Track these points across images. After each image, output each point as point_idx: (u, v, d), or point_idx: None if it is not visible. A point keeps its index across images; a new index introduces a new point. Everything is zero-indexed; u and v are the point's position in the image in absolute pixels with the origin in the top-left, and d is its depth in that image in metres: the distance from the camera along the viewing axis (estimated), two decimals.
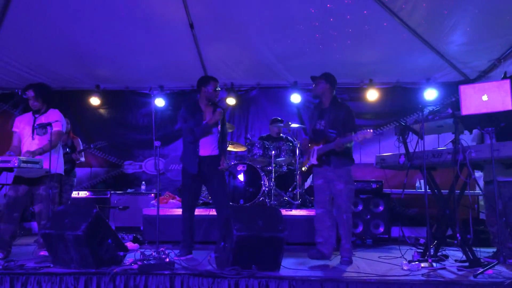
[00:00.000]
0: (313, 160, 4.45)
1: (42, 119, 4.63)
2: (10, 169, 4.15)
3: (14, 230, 4.51)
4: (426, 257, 3.95)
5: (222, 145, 4.74)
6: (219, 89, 4.78)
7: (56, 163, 4.55)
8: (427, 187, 4.27)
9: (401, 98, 7.34)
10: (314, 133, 4.54)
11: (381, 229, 5.81)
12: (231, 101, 7.50)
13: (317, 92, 4.55)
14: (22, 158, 4.07)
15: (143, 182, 7.32)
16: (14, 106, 7.36)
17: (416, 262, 3.83)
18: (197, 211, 5.66)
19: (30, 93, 4.65)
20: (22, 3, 5.71)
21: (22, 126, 4.69)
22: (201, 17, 6.11)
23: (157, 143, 4.34)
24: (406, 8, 5.55)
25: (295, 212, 5.62)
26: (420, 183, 6.58)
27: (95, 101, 7.52)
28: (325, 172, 4.39)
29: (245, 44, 6.59)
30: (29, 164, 4.11)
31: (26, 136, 4.63)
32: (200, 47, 6.63)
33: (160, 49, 6.63)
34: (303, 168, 5.12)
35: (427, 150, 4.04)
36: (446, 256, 4.24)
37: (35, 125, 4.55)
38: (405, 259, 4.06)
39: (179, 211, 5.65)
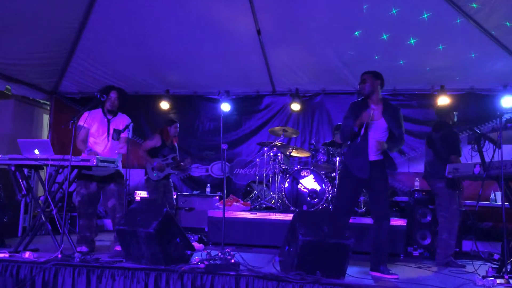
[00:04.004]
0: None
1: (115, 122, 4.89)
2: (89, 168, 4.40)
3: (92, 225, 4.78)
4: (502, 273, 3.72)
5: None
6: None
7: (120, 162, 4.82)
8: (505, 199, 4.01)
9: (475, 105, 6.96)
10: None
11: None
12: (295, 106, 7.50)
13: None
14: (100, 157, 4.32)
15: (208, 185, 7.49)
16: (92, 109, 7.77)
17: (491, 278, 3.62)
18: (260, 215, 5.75)
19: (114, 94, 4.92)
20: (102, 13, 6.12)
21: (94, 124, 4.90)
22: (268, 23, 6.20)
23: (224, 146, 4.43)
24: (483, 11, 5.30)
25: (359, 220, 5.51)
26: (495, 195, 6.21)
27: (165, 105, 7.80)
28: None
29: (311, 49, 6.58)
30: (105, 163, 4.36)
31: (99, 136, 4.87)
32: (266, 52, 6.72)
33: (228, 55, 6.80)
34: None
35: (506, 159, 3.81)
36: None
37: (111, 129, 4.80)
38: (479, 274, 3.85)
39: (242, 214, 5.79)
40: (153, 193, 5.76)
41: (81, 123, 4.84)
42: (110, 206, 4.78)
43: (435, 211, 5.04)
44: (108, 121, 4.91)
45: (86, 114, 4.88)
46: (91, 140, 4.88)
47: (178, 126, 6.15)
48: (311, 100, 7.73)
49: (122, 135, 4.87)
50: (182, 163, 6.00)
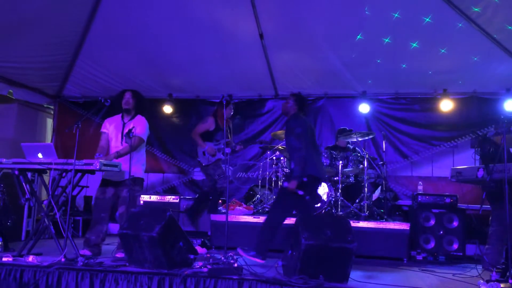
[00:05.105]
0: None
1: (131, 126, 4.85)
2: (92, 172, 4.42)
3: (100, 230, 4.76)
4: (506, 278, 3.71)
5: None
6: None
7: (138, 168, 4.81)
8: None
9: (478, 109, 6.95)
10: None
11: (455, 246, 5.52)
12: None
13: None
14: (103, 161, 4.32)
15: None
16: (95, 114, 7.80)
17: (495, 282, 3.60)
18: (263, 219, 5.72)
19: (127, 94, 4.98)
20: (105, 17, 6.15)
21: (111, 128, 4.97)
22: (270, 27, 6.23)
23: (227, 150, 4.44)
24: (485, 15, 5.30)
25: (362, 224, 5.50)
26: None
27: (168, 109, 7.83)
28: None
29: (313, 53, 6.60)
30: (108, 167, 4.37)
31: (114, 140, 4.90)
32: (269, 56, 6.74)
33: (230, 58, 6.82)
34: None
35: (509, 163, 3.80)
36: None
37: (124, 133, 4.80)
38: (483, 278, 3.83)
39: (245, 218, 5.78)
40: (204, 175, 6.20)
41: (102, 130, 5.02)
42: (120, 213, 4.78)
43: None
44: (123, 125, 4.93)
45: (106, 121, 5.05)
46: (110, 144, 4.95)
47: (233, 107, 6.12)
48: (314, 104, 7.73)
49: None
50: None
